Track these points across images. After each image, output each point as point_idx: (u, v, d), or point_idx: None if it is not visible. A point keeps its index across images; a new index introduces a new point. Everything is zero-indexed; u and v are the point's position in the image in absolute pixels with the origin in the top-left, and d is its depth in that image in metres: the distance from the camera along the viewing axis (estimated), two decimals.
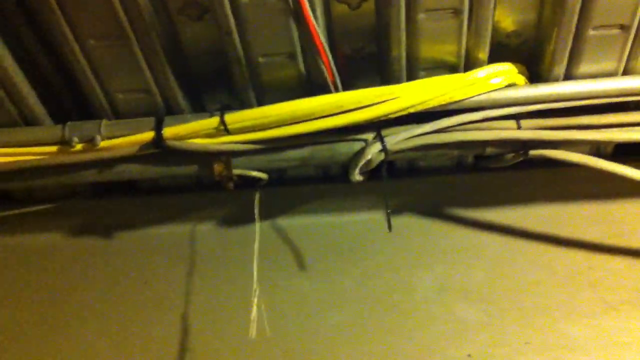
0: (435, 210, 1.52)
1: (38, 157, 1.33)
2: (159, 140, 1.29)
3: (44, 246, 1.57)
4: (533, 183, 1.51)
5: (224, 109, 1.29)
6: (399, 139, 1.30)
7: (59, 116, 1.37)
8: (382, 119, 1.25)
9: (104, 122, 1.33)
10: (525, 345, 1.40)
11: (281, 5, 1.13)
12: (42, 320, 1.51)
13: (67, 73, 1.31)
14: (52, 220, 1.57)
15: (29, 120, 1.35)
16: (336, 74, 1.24)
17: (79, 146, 1.32)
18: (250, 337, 1.32)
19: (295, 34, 1.19)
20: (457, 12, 1.17)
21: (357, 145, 1.33)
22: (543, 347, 1.39)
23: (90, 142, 1.31)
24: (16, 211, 1.51)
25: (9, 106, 1.32)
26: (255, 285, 1.36)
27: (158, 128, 1.30)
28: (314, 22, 1.12)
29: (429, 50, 1.25)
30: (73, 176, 1.36)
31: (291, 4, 1.08)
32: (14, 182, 1.36)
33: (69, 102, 1.38)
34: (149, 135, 1.30)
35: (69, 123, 1.33)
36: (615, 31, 1.20)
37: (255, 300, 1.35)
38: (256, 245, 1.40)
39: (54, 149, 1.33)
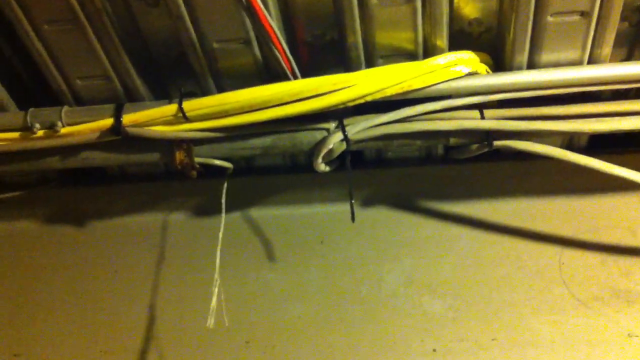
0: (404, 202, 1.50)
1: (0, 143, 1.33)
2: (118, 127, 1.29)
3: (14, 233, 1.58)
4: (504, 175, 1.48)
5: (183, 96, 1.28)
6: (359, 128, 1.29)
7: (25, 103, 1.37)
8: (339, 107, 1.23)
9: (65, 108, 1.32)
10: (492, 341, 1.38)
11: None
12: (10, 309, 1.52)
13: (29, 59, 1.30)
14: (22, 208, 1.58)
15: None
16: (292, 62, 1.22)
17: (40, 132, 1.32)
18: (208, 326, 1.31)
19: (248, 20, 1.18)
20: None
21: (319, 135, 1.31)
22: (510, 343, 1.37)
23: (51, 128, 1.31)
24: None
25: None
26: (216, 276, 1.36)
27: (117, 115, 1.29)
28: (262, 8, 1.10)
29: (385, 37, 1.23)
30: (36, 163, 1.36)
31: None
32: None
33: (34, 89, 1.38)
34: (108, 122, 1.29)
35: (30, 109, 1.32)
36: (575, 18, 1.16)
37: (216, 290, 1.35)
38: (220, 235, 1.39)
39: (16, 135, 1.33)
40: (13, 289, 1.54)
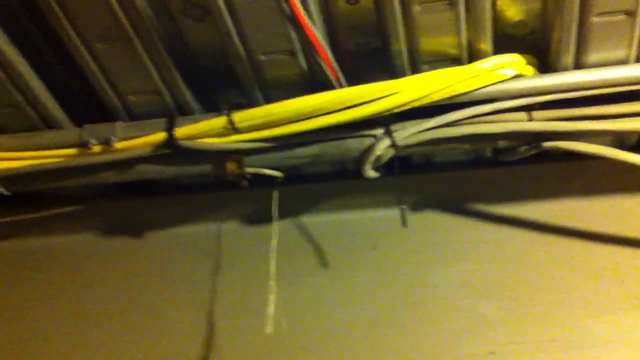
0: (454, 206, 1.50)
1: (57, 160, 1.38)
2: (171, 140, 1.32)
3: (74, 246, 1.63)
4: (555, 176, 1.47)
5: (232, 107, 1.31)
6: (407, 133, 1.30)
7: (80, 119, 1.42)
8: (385, 114, 1.25)
9: (119, 123, 1.37)
10: (550, 342, 1.37)
11: (276, 4, 1.14)
12: (71, 318, 1.57)
13: (82, 77, 1.35)
14: (81, 221, 1.64)
15: (50, 124, 1.41)
16: (338, 71, 1.24)
17: (96, 148, 1.36)
18: (266, 333, 1.33)
19: (293, 32, 1.20)
20: (452, 4, 1.15)
21: (367, 141, 1.32)
22: (568, 344, 1.36)
23: (106, 143, 1.35)
24: (44, 213, 1.57)
25: (28, 111, 1.37)
26: (272, 282, 1.37)
27: (169, 129, 1.33)
28: (307, 21, 1.12)
29: (429, 43, 1.24)
30: (92, 177, 1.40)
31: (282, 3, 1.08)
32: (37, 184, 1.42)
33: (88, 105, 1.43)
34: (161, 135, 1.33)
35: (85, 126, 1.37)
36: (621, 17, 1.15)
37: (272, 297, 1.36)
38: (273, 243, 1.41)
39: (73, 151, 1.37)
40: (74, 298, 1.59)
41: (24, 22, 1.29)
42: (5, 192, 1.43)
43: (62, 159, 1.38)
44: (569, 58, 1.23)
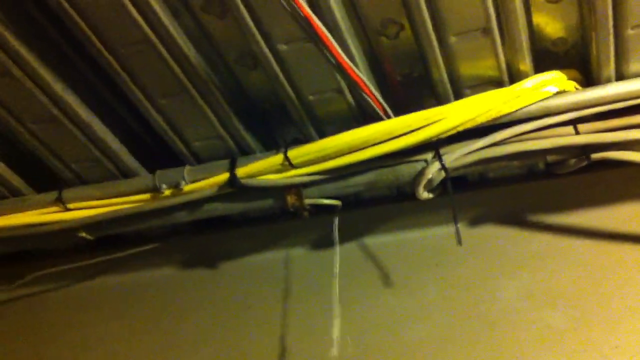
0: (512, 218, 1.52)
1: (134, 205, 1.50)
2: (233, 179, 1.42)
3: (154, 281, 1.76)
4: (610, 183, 1.47)
5: (288, 144, 1.39)
6: (456, 155, 1.34)
7: (153, 166, 1.53)
8: (432, 140, 1.29)
9: (187, 168, 1.48)
10: (615, 349, 1.36)
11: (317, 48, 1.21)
12: (158, 350, 1.68)
13: (151, 129, 1.47)
14: (159, 258, 1.76)
15: (125, 173, 1.54)
16: (383, 103, 1.29)
17: (167, 192, 1.48)
18: (332, 356, 1.39)
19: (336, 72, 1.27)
20: (486, 32, 1.20)
21: (419, 166, 1.37)
22: (634, 349, 1.35)
23: (176, 187, 1.46)
24: (129, 252, 1.69)
25: (106, 163, 1.51)
26: (336, 306, 1.43)
27: (232, 169, 1.42)
28: (348, 62, 1.18)
29: (468, 68, 1.28)
30: (165, 218, 1.52)
31: (321, 47, 1.15)
32: (117, 228, 1.56)
33: (159, 153, 1.54)
34: (225, 176, 1.43)
35: (157, 172, 1.49)
36: None
37: (336, 321, 1.42)
38: (336, 267, 1.47)
39: (147, 196, 1.50)
40: (157, 330, 1.70)
41: (96, 85, 1.43)
42: (89, 237, 1.56)
43: (138, 204, 1.50)
44: (610, 70, 1.25)
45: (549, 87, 1.27)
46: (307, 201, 1.44)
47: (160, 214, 1.51)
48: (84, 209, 1.53)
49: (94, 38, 1.26)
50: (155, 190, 1.48)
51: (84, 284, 1.82)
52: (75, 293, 1.83)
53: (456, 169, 1.35)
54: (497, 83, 1.30)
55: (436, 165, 1.34)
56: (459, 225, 1.40)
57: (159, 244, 1.71)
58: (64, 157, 1.53)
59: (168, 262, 1.76)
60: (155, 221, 1.53)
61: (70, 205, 1.54)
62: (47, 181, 1.60)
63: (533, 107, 1.28)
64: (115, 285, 1.79)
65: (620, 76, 1.26)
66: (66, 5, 1.21)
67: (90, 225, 1.54)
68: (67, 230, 1.56)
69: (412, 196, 1.53)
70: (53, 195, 1.55)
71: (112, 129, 1.47)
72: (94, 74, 1.40)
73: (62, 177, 1.59)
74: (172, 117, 1.41)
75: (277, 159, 1.39)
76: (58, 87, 1.36)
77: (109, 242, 1.73)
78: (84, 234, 1.56)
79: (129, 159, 1.51)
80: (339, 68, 1.19)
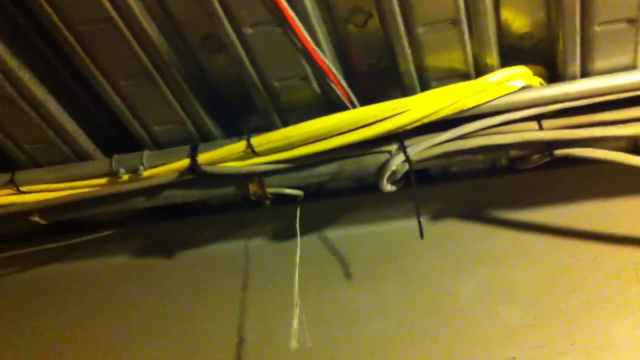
0: (473, 214, 1.53)
1: (90, 189, 1.46)
2: (194, 166, 1.39)
3: (109, 268, 1.71)
4: (572, 180, 1.48)
5: (251, 132, 1.37)
6: (420, 148, 1.33)
7: (110, 150, 1.49)
8: (398, 131, 1.28)
9: (146, 152, 1.44)
10: (571, 345, 1.38)
11: (284, 33, 1.19)
12: (111, 338, 1.65)
13: (109, 111, 1.42)
14: (115, 245, 1.72)
15: (81, 156, 1.49)
16: (349, 92, 1.28)
17: (125, 177, 1.44)
18: (290, 347, 1.37)
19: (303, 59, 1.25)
20: (455, 23, 1.19)
21: (383, 157, 1.36)
22: (589, 346, 1.37)
23: (134, 172, 1.43)
24: (83, 238, 1.65)
25: (61, 145, 1.46)
26: (296, 298, 1.42)
27: (193, 155, 1.39)
28: (315, 48, 1.17)
29: (435, 61, 1.27)
30: (123, 204, 1.49)
31: (288, 32, 1.13)
32: (72, 212, 1.51)
33: (117, 137, 1.50)
34: (185, 162, 1.40)
35: (115, 156, 1.45)
36: (623, 25, 1.17)
37: (296, 311, 1.41)
38: (297, 258, 1.46)
39: (104, 180, 1.45)
40: (111, 318, 1.67)
41: (54, 63, 1.38)
42: (43, 222, 1.51)
43: (94, 189, 1.46)
44: (575, 67, 1.26)
45: (514, 81, 1.27)
46: (270, 190, 1.42)
47: (117, 200, 1.48)
48: (37, 192, 1.48)
49: (51, 13, 1.21)
50: (112, 174, 1.44)
51: (37, 269, 1.77)
52: (28, 279, 1.77)
53: (420, 161, 1.35)
54: (464, 76, 1.30)
55: (400, 157, 1.34)
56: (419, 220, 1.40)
57: (115, 230, 1.67)
58: (18, 137, 1.47)
59: (124, 249, 1.72)
60: (112, 207, 1.49)
61: (24, 188, 1.49)
62: (0, 163, 1.54)
63: (498, 102, 1.27)
64: (68, 272, 1.74)
65: (586, 73, 1.27)
66: None
67: (44, 209, 1.49)
68: (20, 214, 1.51)
69: (375, 188, 1.53)
70: (6, 177, 1.49)
71: (69, 110, 1.42)
72: (51, 52, 1.35)
73: (15, 159, 1.53)
74: (131, 99, 1.38)
75: (239, 146, 1.36)
76: (13, 64, 1.31)
77: (64, 227, 1.69)
78: (37, 219, 1.51)
79: (85, 142, 1.47)
80: (305, 53, 1.17)
